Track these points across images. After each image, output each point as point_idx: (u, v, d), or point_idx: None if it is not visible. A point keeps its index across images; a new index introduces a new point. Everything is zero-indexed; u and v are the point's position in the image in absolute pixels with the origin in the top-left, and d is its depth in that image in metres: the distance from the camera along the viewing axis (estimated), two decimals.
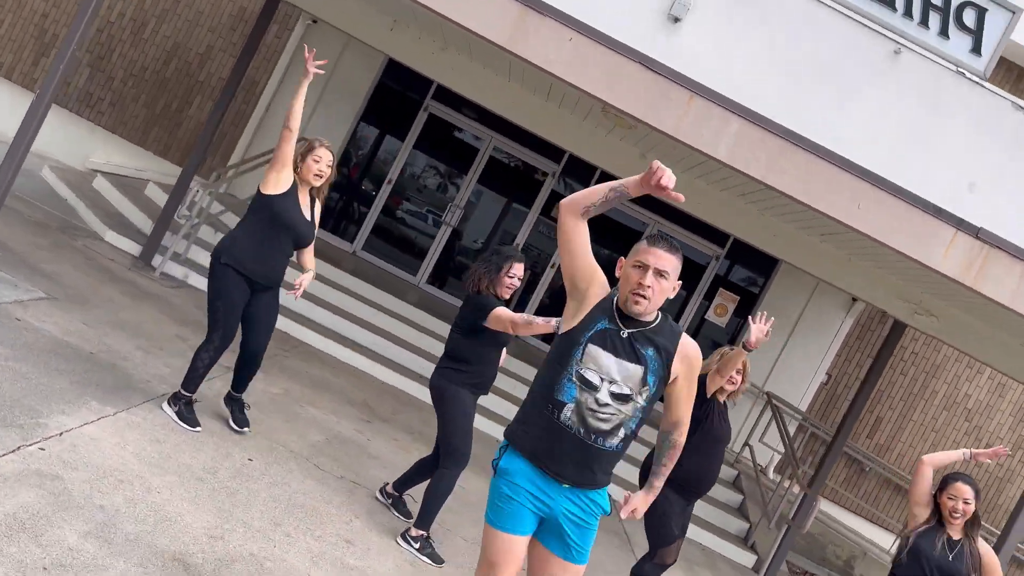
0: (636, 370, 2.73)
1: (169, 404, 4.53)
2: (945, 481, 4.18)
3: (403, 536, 4.44)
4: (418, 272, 10.63)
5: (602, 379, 2.71)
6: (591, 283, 2.78)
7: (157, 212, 8.59)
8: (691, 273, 10.87)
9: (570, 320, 2.79)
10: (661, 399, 2.91)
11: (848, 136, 5.86)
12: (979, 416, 11.26)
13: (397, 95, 10.62)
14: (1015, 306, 5.35)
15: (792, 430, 10.41)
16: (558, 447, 2.73)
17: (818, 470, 8.08)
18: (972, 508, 4.11)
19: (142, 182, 10.07)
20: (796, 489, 8.24)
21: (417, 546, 4.39)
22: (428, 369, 7.84)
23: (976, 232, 5.22)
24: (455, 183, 10.89)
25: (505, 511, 2.81)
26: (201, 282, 7.84)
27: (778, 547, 7.51)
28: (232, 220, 9.22)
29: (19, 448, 3.45)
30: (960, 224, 5.22)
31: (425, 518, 4.43)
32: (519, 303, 10.59)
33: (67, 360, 4.60)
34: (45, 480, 3.31)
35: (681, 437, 2.99)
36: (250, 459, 4.48)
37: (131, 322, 5.86)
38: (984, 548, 4.16)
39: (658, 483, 3.06)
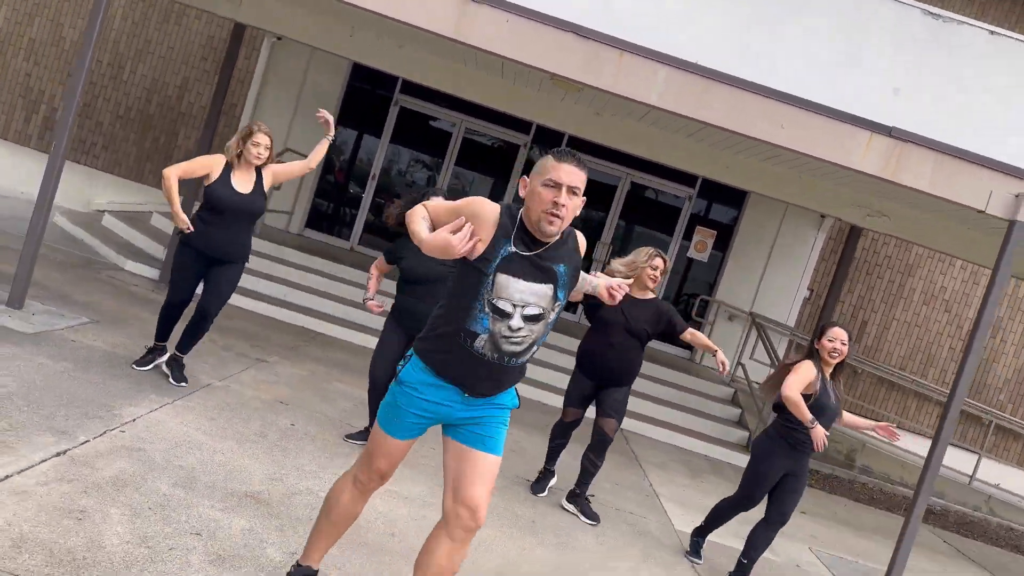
0: (546, 289, 2.73)
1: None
2: (823, 328, 4.76)
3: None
4: None
5: (515, 306, 2.70)
6: (459, 216, 2.72)
7: (166, 239, 9.31)
8: (668, 215, 11.58)
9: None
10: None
11: (784, 65, 6.47)
12: (957, 305, 11.97)
13: (367, 94, 11.29)
14: (936, 191, 6.04)
15: (783, 347, 11.15)
16: (474, 372, 2.75)
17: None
18: (846, 351, 4.69)
19: (146, 214, 10.78)
20: None
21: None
22: None
23: (889, 131, 5.90)
24: (435, 168, 11.58)
25: (395, 420, 2.84)
26: None
27: None
28: None
29: (105, 432, 4.19)
30: (874, 126, 5.89)
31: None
32: None
33: (121, 368, 5.34)
34: (132, 452, 4.05)
35: None
36: (292, 424, 5.23)
37: None
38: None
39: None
